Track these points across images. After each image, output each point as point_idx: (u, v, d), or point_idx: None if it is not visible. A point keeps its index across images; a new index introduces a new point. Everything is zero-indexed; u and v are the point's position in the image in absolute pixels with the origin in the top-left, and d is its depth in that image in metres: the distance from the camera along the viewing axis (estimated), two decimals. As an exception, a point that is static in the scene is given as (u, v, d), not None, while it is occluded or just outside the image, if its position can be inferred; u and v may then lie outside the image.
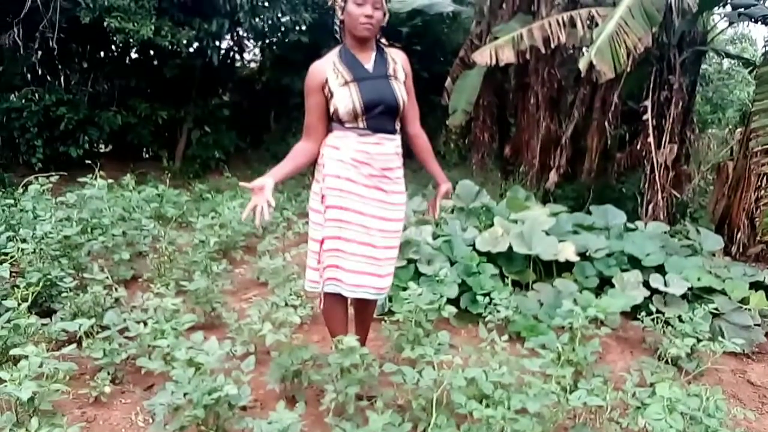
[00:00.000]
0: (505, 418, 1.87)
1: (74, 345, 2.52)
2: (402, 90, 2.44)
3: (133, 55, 10.51)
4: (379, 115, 2.38)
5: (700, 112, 10.22)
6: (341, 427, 2.01)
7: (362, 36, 2.36)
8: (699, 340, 2.87)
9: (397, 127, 2.50)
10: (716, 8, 6.31)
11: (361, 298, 2.51)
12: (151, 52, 10.06)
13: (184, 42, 8.63)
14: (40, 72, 8.80)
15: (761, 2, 5.86)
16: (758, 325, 3.49)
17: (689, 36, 5.90)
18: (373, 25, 2.34)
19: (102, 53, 10.16)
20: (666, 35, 5.73)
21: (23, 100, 8.48)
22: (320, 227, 2.44)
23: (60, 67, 9.09)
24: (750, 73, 7.74)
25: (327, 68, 2.38)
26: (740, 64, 9.58)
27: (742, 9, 5.90)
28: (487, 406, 1.95)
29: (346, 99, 2.33)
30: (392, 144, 2.46)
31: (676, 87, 5.67)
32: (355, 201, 2.39)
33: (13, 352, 2.30)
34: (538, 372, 2.26)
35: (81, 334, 2.72)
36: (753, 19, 6.03)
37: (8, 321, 2.67)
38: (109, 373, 2.67)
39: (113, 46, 10.07)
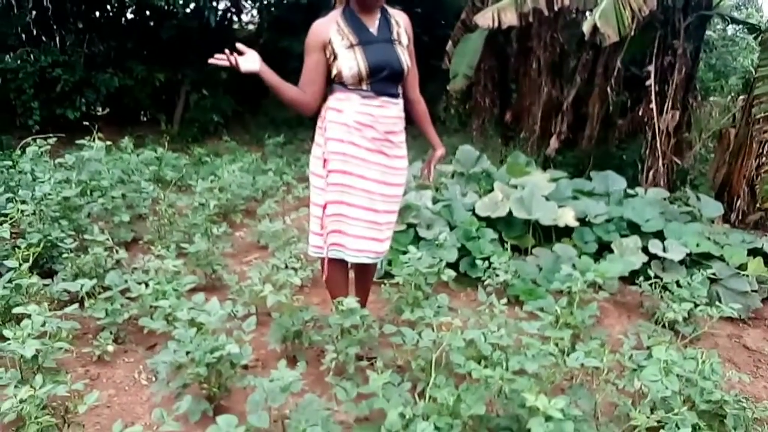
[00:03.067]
0: (503, 378, 1.90)
1: (76, 305, 2.53)
2: (405, 55, 2.42)
3: (129, 16, 10.32)
4: (384, 79, 2.35)
5: (702, 79, 10.10)
6: (341, 386, 2.04)
7: (375, 5, 2.33)
8: (696, 305, 2.90)
9: (400, 91, 2.47)
10: (724, -29, 6.19)
11: (362, 262, 2.52)
12: (147, 13, 9.87)
13: (181, 2, 8.47)
14: (34, 32, 8.63)
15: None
16: (755, 291, 3.52)
17: (694, 0, 5.80)
18: None
19: (97, 13, 9.97)
20: (671, -2, 5.63)
21: (18, 61, 8.35)
22: (322, 192, 2.43)
23: (55, 27, 8.91)
24: (755, 39, 7.62)
25: (331, 28, 2.32)
26: (745, 29, 9.44)
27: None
28: (486, 366, 1.97)
29: (351, 62, 2.29)
30: (396, 107, 2.44)
31: (679, 52, 5.59)
32: (358, 165, 2.37)
33: (15, 310, 2.32)
34: (537, 334, 2.28)
35: (83, 294, 2.73)
36: (761, -16, 5.93)
37: (10, 281, 2.68)
38: (111, 333, 2.70)
39: (108, 6, 9.88)
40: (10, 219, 3.41)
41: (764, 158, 4.79)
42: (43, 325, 2.21)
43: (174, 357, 2.13)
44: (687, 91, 5.85)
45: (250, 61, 2.25)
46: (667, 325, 2.99)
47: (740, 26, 9.84)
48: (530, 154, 6.43)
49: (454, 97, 8.80)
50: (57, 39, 8.94)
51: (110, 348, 2.61)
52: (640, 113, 5.78)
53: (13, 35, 8.51)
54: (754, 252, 3.76)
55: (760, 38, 6.35)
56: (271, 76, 2.30)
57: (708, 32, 9.21)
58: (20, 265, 2.76)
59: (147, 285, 2.76)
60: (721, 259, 3.65)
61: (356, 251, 2.44)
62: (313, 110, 2.42)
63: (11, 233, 3.30)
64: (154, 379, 2.45)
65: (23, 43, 8.57)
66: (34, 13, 8.50)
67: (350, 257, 2.47)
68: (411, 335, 2.26)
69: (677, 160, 5.70)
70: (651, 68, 5.58)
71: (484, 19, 5.55)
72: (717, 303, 2.94)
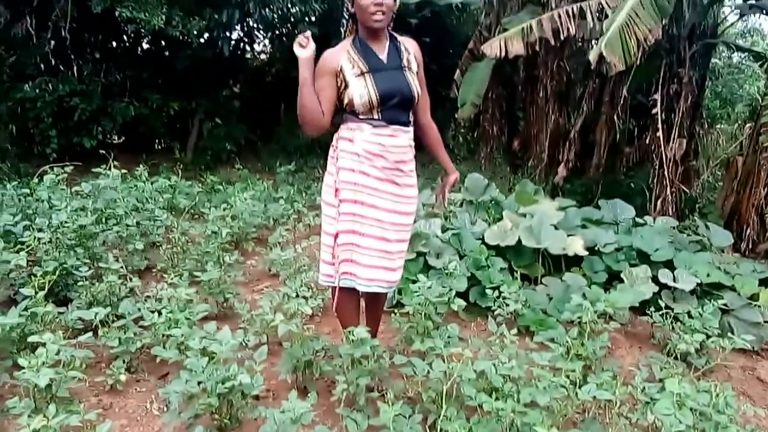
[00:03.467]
0: (515, 410, 1.90)
1: (90, 333, 2.57)
2: (415, 81, 2.44)
3: (145, 46, 10.54)
4: (394, 106, 2.38)
5: (709, 106, 10.14)
6: (352, 417, 2.04)
7: (375, 27, 2.34)
8: (708, 336, 2.88)
9: (411, 119, 2.50)
10: (727, 0, 6.28)
11: (373, 291, 2.54)
12: (163, 43, 10.08)
13: (195, 32, 8.63)
14: (53, 62, 8.83)
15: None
16: (767, 322, 3.49)
17: (700, 28, 5.86)
18: (384, 13, 2.30)
19: (114, 43, 10.19)
20: (676, 27, 5.70)
21: (37, 90, 8.52)
22: (334, 221, 2.45)
23: (72, 57, 9.10)
24: (761, 66, 7.67)
25: (341, 56, 2.36)
26: (751, 57, 9.50)
27: (753, 1, 5.86)
28: (497, 398, 1.98)
29: (361, 89, 2.32)
30: (406, 136, 2.46)
31: (685, 80, 5.64)
32: (370, 195, 2.40)
33: (30, 339, 2.35)
34: (548, 366, 2.28)
35: (97, 322, 2.77)
36: (764, 12, 5.99)
37: (26, 309, 2.71)
38: (124, 362, 2.72)
39: (125, 36, 10.09)
40: (27, 247, 3.47)
41: (773, 187, 4.80)
42: (58, 353, 2.24)
43: (186, 387, 2.14)
44: (694, 119, 5.89)
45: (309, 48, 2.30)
46: (679, 356, 2.96)
47: (746, 54, 9.91)
48: (538, 182, 6.47)
49: (462, 125, 8.92)
50: (75, 69, 9.12)
51: (123, 377, 2.62)
52: (647, 141, 5.83)
53: (32, 65, 8.70)
54: (765, 282, 3.75)
55: (765, 66, 6.40)
56: (310, 68, 2.32)
57: (714, 60, 9.30)
58: (36, 293, 2.80)
59: (160, 313, 2.79)
60: (732, 289, 3.63)
61: (368, 280, 2.45)
62: (320, 129, 2.38)
63: (28, 261, 3.35)
64: (165, 409, 2.46)
65: (42, 73, 8.76)
66: (52, 43, 8.70)
67: (362, 286, 2.47)
68: (421, 366, 2.27)
69: (685, 189, 5.71)
70: (657, 96, 5.63)
71: (491, 48, 5.65)
72: (729, 334, 2.92)
